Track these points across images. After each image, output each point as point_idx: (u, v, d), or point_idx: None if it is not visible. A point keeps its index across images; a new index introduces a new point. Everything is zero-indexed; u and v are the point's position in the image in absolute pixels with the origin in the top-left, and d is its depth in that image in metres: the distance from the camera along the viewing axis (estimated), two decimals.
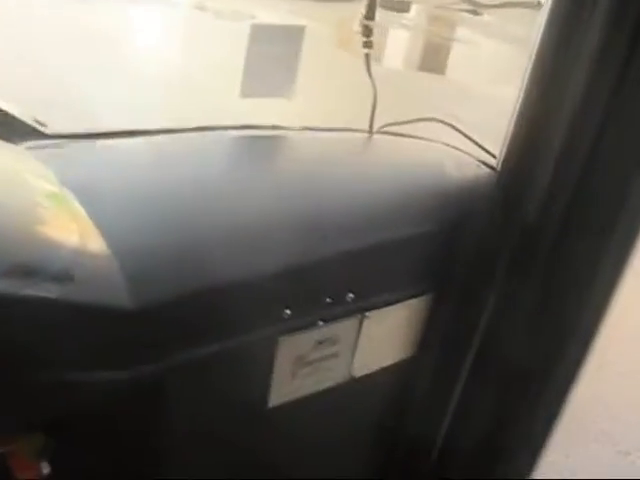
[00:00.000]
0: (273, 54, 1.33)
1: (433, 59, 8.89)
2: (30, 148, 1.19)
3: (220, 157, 1.34)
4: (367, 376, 1.33)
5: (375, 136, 1.47)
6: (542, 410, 1.37)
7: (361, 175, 1.37)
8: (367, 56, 1.37)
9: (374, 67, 1.40)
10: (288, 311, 1.15)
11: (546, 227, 1.23)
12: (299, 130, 1.46)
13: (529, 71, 1.19)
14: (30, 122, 1.25)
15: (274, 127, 1.42)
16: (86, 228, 1.01)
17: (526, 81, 1.20)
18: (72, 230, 1.01)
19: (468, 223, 1.30)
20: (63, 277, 0.93)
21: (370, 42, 1.35)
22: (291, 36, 1.34)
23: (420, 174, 1.41)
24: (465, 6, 12.44)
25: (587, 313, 1.27)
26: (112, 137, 1.29)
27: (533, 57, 1.18)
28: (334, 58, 6.68)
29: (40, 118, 1.28)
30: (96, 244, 1.00)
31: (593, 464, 3.02)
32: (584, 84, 1.14)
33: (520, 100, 1.22)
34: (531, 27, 1.20)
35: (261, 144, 1.40)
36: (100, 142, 1.27)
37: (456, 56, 9.91)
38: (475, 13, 12.68)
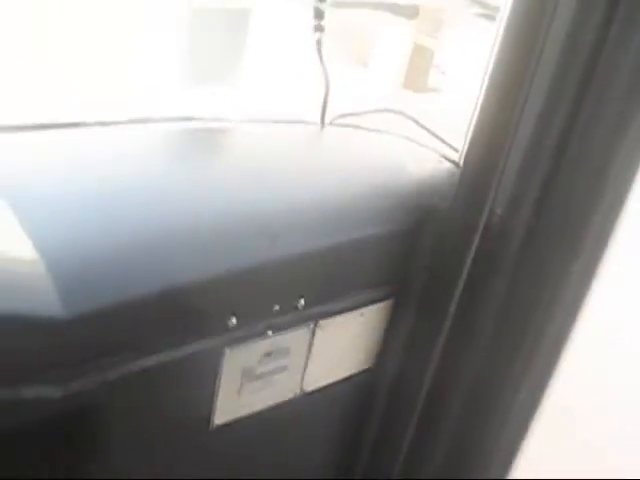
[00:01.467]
0: (217, 39, 1.17)
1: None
2: None
3: (159, 152, 1.25)
4: (320, 390, 1.26)
5: (328, 128, 1.39)
6: (516, 406, 1.30)
7: (312, 171, 1.29)
8: (318, 42, 1.28)
9: None
10: (234, 320, 1.08)
11: (513, 227, 1.17)
12: (245, 121, 1.37)
13: (493, 60, 1.12)
14: None
15: (217, 119, 1.33)
16: (12, 232, 0.94)
17: (490, 71, 1.12)
18: None
19: (429, 223, 1.24)
20: None
21: (321, 25, 1.26)
22: (235, 20, 1.18)
23: (376, 170, 1.34)
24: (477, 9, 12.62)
25: (556, 317, 1.20)
26: (44, 128, 1.19)
27: (497, 46, 1.10)
28: None
29: None
30: (24, 250, 0.93)
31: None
32: (551, 76, 1.10)
33: (484, 90, 1.14)
34: None
35: (204, 137, 1.32)
36: (26, 136, 1.17)
37: None
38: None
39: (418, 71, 7.24)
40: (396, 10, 8.79)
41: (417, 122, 1.38)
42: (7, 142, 1.16)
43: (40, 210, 1.00)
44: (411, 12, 9.01)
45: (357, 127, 1.42)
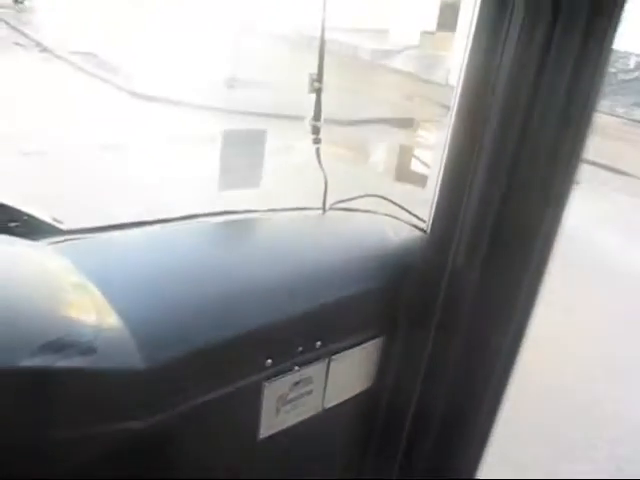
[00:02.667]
0: (242, 153, 1.38)
1: None
2: (51, 243, 1.24)
3: (205, 241, 1.40)
4: (337, 406, 1.38)
5: (328, 212, 1.53)
6: (481, 417, 1.44)
7: (319, 245, 1.44)
8: (317, 150, 1.44)
9: None
10: (269, 360, 1.22)
11: (470, 275, 1.31)
12: (266, 211, 1.53)
13: (447, 147, 1.30)
14: (49, 221, 1.29)
15: (246, 211, 1.48)
16: (102, 307, 1.07)
17: (445, 158, 1.30)
18: (91, 310, 1.06)
19: (406, 277, 1.37)
20: (87, 350, 0.99)
21: (319, 139, 1.43)
22: (256, 138, 1.39)
23: (366, 242, 1.49)
24: None
25: (507, 338, 1.35)
26: (118, 229, 1.33)
27: (447, 146, 1.29)
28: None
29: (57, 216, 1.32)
30: (111, 320, 1.06)
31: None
32: (488, 161, 1.24)
33: (440, 178, 1.32)
34: None
35: (236, 227, 1.46)
36: (108, 234, 1.31)
37: None
38: None
39: (402, 165, 7.91)
40: (394, 123, 9.22)
41: (393, 202, 1.54)
42: (97, 239, 1.29)
43: (122, 291, 1.13)
44: (407, 123, 9.21)
45: (350, 210, 1.56)
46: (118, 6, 15.52)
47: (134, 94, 9.10)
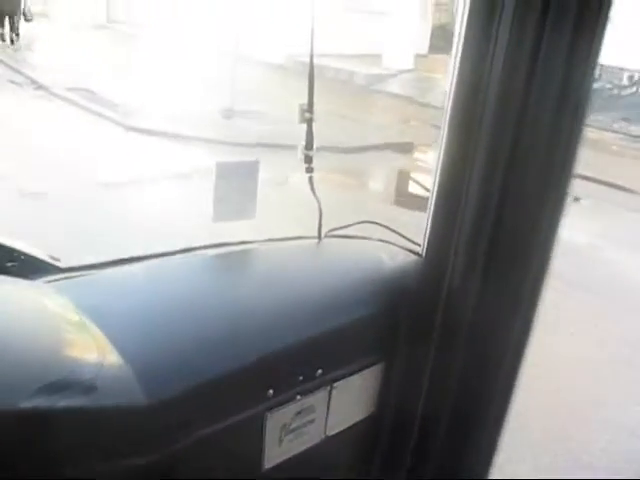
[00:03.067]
0: (236, 185, 1.39)
1: None
2: (49, 282, 1.24)
3: (203, 273, 1.41)
4: (339, 433, 1.38)
5: (324, 240, 1.54)
6: (485, 438, 1.45)
7: (316, 274, 1.46)
8: (310, 178, 1.46)
9: None
10: (271, 391, 1.22)
11: (467, 295, 1.32)
12: (263, 241, 1.54)
13: (438, 174, 1.32)
14: (46, 259, 1.30)
15: (243, 242, 1.50)
16: (102, 345, 1.08)
17: (437, 180, 1.32)
18: (91, 348, 1.07)
19: (404, 301, 1.38)
20: (89, 388, 1.00)
21: (311, 167, 1.45)
22: (249, 170, 1.41)
23: (362, 268, 1.49)
24: None
25: (506, 359, 1.36)
26: (116, 265, 1.34)
27: (439, 164, 1.30)
28: None
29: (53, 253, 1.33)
30: (112, 357, 1.06)
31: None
32: (479, 181, 1.25)
33: (434, 197, 1.34)
34: None
35: (233, 259, 1.47)
36: (106, 271, 1.32)
37: None
38: None
39: (403, 190, 8.03)
40: (395, 148, 9.29)
41: (389, 228, 1.55)
42: (95, 276, 1.29)
43: (121, 328, 1.13)
44: (408, 148, 9.33)
45: (345, 237, 1.57)
46: (111, 43, 15.75)
47: (132, 129, 9.17)
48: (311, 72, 1.41)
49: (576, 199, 8.27)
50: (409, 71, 14.79)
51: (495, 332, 1.34)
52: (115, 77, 11.69)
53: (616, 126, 12.41)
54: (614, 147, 11.61)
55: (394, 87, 14.02)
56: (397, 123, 10.99)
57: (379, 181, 9.23)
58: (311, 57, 1.39)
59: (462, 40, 1.21)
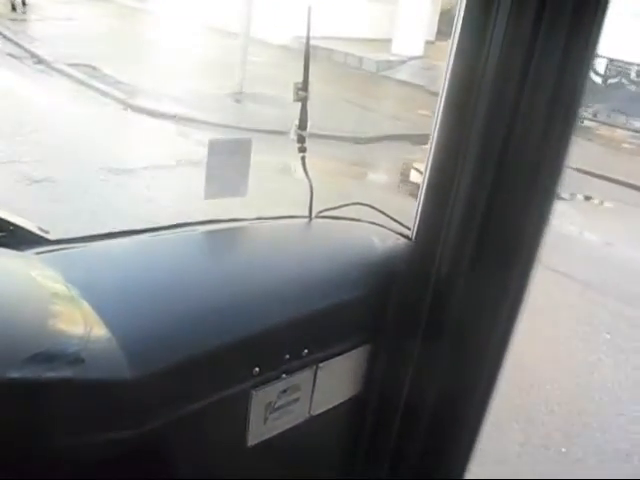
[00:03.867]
0: (228, 162, 1.40)
1: None
2: (38, 253, 1.25)
3: (192, 250, 1.42)
4: (324, 413, 1.40)
5: (314, 220, 1.56)
6: (469, 420, 1.46)
7: (305, 253, 1.47)
8: (303, 159, 1.47)
9: None
10: (257, 369, 1.24)
11: (455, 280, 1.33)
12: (253, 220, 1.55)
13: (431, 153, 1.33)
14: (36, 231, 1.30)
15: (234, 219, 1.51)
16: (90, 318, 1.09)
17: (429, 165, 1.34)
18: (78, 321, 1.08)
19: (392, 285, 1.39)
20: (75, 360, 1.01)
21: (304, 147, 1.46)
22: (242, 147, 1.41)
23: (352, 250, 1.51)
24: None
25: (492, 345, 1.38)
26: (105, 238, 1.35)
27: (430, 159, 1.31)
28: None
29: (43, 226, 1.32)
30: (99, 330, 1.07)
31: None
32: (472, 167, 1.26)
33: (425, 181, 1.35)
34: None
35: (223, 236, 1.49)
36: (95, 244, 1.33)
37: None
38: None
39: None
40: (412, 140, 9.10)
41: (379, 210, 1.56)
42: (84, 249, 1.30)
43: (109, 301, 1.14)
44: (424, 140, 9.29)
45: (336, 217, 1.58)
46: (116, 17, 15.55)
47: (138, 109, 8.98)
48: (307, 51, 1.43)
49: (600, 202, 8.29)
50: (419, 58, 14.72)
51: (482, 318, 1.35)
52: (117, 53, 11.42)
53: (628, 124, 12.40)
54: (625, 145, 11.60)
55: (404, 74, 13.98)
56: (410, 113, 10.85)
57: (398, 174, 9.14)
58: (307, 38, 1.41)
59: (458, 34, 1.23)
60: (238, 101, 9.83)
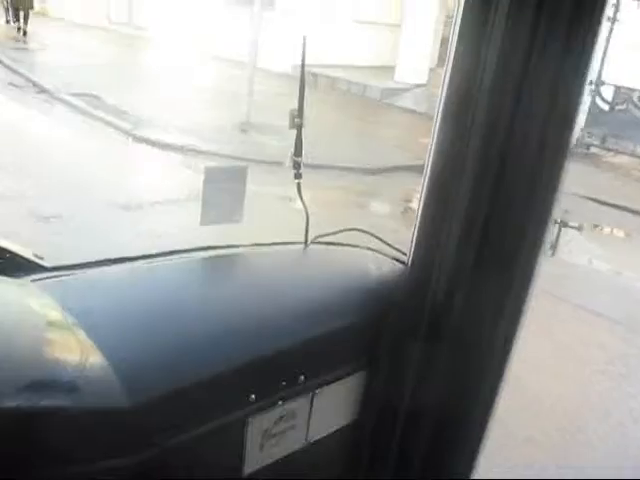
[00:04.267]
0: (224, 189, 1.41)
1: None
2: (34, 280, 1.26)
3: (189, 277, 1.43)
4: (321, 439, 1.40)
5: (310, 246, 1.56)
6: (466, 445, 1.46)
7: (301, 280, 1.48)
8: (298, 185, 1.49)
9: None
10: (253, 396, 1.24)
11: (451, 305, 1.33)
12: (249, 246, 1.56)
13: (425, 185, 1.34)
14: (31, 258, 1.31)
15: (229, 246, 1.52)
16: (86, 345, 1.09)
17: (423, 198, 1.34)
18: (74, 348, 1.08)
19: (388, 311, 1.39)
20: (71, 389, 1.01)
21: (299, 174, 1.48)
22: (238, 174, 1.43)
23: (347, 276, 1.52)
24: None
25: (489, 370, 1.38)
26: (101, 265, 1.35)
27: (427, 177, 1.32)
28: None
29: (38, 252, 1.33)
30: (95, 358, 1.08)
31: None
32: (467, 193, 1.26)
33: (420, 208, 1.36)
34: None
35: (221, 262, 1.49)
36: (91, 271, 1.34)
37: None
38: None
39: None
40: (419, 170, 9.04)
41: (375, 236, 1.56)
42: (80, 276, 1.30)
43: (105, 329, 1.14)
44: None
45: (331, 243, 1.59)
46: (116, 45, 15.60)
47: (144, 140, 8.94)
48: (302, 80, 1.46)
49: (627, 235, 8.24)
50: (422, 85, 14.80)
51: (478, 343, 1.35)
52: (120, 82, 11.42)
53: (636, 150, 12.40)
54: (635, 172, 11.56)
55: (408, 102, 14.03)
56: (416, 142, 10.88)
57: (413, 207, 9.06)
58: (302, 67, 1.44)
59: (453, 51, 1.24)
60: (244, 131, 9.87)
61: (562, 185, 1.26)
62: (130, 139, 9.05)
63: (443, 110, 1.27)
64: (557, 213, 1.31)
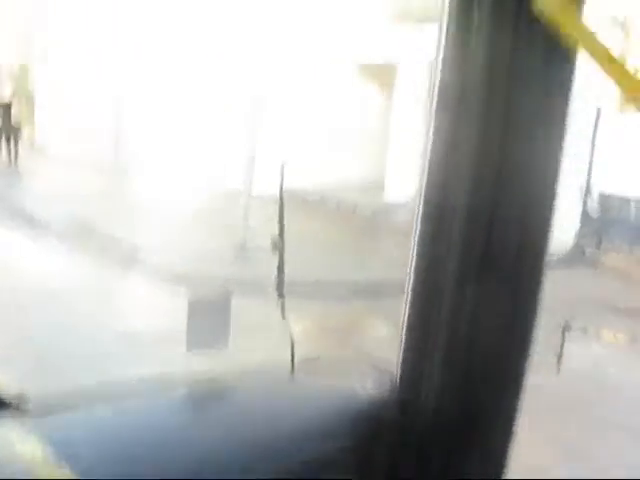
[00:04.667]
0: (209, 316, 1.44)
1: None
2: (16, 419, 1.23)
3: (173, 409, 1.42)
4: None
5: (296, 370, 1.54)
6: None
7: (288, 406, 1.46)
8: (282, 304, 1.50)
9: None
10: None
11: (441, 427, 1.33)
12: (235, 374, 1.56)
13: (408, 304, 1.35)
14: (14, 400, 1.28)
15: (214, 373, 1.51)
16: None
17: (407, 311, 1.35)
18: None
19: (378, 432, 1.38)
20: None
21: (282, 293, 1.50)
22: (221, 305, 1.46)
23: (335, 399, 1.49)
24: None
25: None
26: (86, 405, 1.34)
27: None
28: None
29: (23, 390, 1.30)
30: None
31: None
32: (454, 263, 1.28)
33: (405, 324, 1.37)
34: None
35: (206, 390, 1.48)
36: (77, 411, 1.33)
37: None
38: None
39: None
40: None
41: (362, 354, 1.56)
42: (65, 415, 1.29)
43: (92, 468, 1.12)
44: None
45: (318, 364, 1.59)
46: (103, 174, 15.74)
47: (141, 269, 8.96)
48: (281, 204, 1.51)
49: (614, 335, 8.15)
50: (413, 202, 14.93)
51: (472, 461, 1.34)
52: (114, 211, 11.53)
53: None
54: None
55: (400, 220, 14.16)
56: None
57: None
58: (280, 192, 1.50)
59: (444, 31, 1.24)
60: (243, 258, 9.97)
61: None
62: (127, 268, 8.99)
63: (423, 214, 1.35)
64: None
